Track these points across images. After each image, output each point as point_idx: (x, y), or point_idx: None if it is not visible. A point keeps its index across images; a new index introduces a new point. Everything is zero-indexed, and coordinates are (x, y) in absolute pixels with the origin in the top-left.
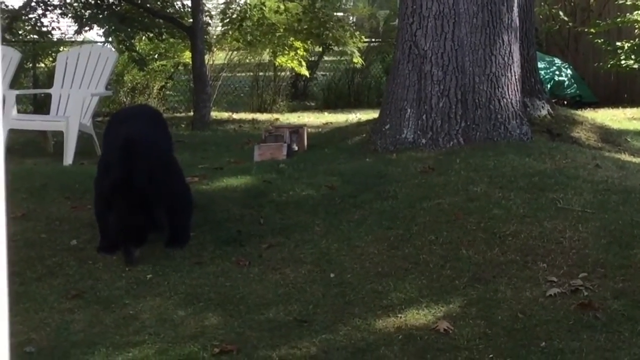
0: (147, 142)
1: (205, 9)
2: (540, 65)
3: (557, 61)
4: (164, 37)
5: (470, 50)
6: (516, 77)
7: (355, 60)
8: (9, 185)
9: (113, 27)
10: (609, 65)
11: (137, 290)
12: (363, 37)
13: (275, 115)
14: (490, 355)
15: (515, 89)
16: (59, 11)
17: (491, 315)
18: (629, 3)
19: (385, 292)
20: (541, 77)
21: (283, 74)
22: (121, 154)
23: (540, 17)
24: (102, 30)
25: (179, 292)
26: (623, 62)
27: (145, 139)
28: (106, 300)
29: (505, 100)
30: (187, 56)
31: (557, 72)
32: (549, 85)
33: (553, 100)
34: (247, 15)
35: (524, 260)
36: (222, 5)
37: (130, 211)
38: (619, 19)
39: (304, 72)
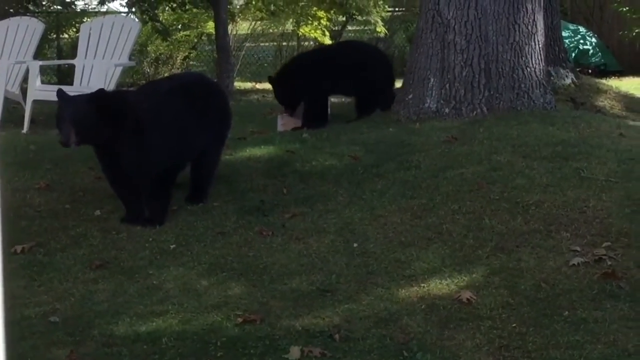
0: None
1: None
2: (565, 33)
3: (582, 30)
4: (187, 7)
5: (494, 19)
6: (540, 45)
7: (378, 29)
8: (33, 156)
9: None
10: (633, 34)
11: (160, 260)
12: (386, 6)
13: None
14: (513, 325)
15: (539, 57)
16: None
17: (514, 285)
18: None
19: (408, 261)
20: (565, 45)
21: (306, 43)
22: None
23: None
24: (125, 0)
25: (203, 262)
26: None
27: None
28: (130, 270)
29: (528, 69)
30: (210, 26)
31: (581, 41)
32: (573, 54)
33: (577, 69)
34: None
35: (547, 230)
36: None
37: None
38: None
39: (328, 41)
